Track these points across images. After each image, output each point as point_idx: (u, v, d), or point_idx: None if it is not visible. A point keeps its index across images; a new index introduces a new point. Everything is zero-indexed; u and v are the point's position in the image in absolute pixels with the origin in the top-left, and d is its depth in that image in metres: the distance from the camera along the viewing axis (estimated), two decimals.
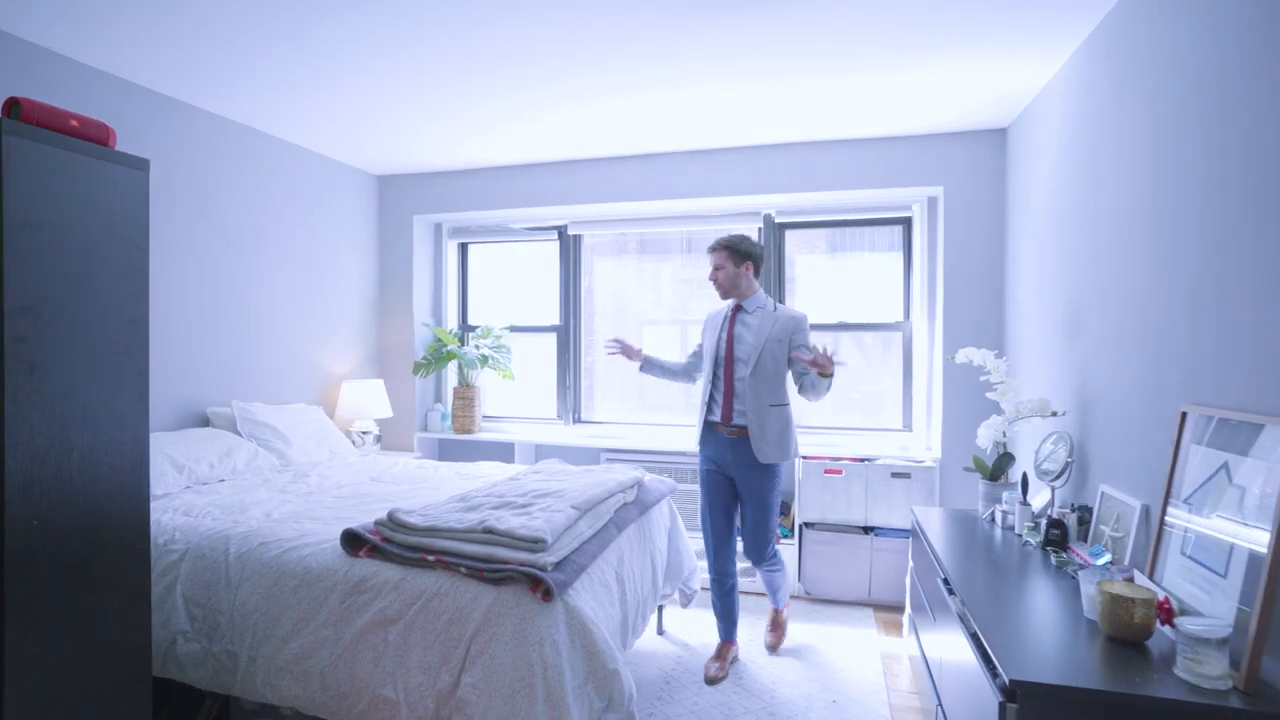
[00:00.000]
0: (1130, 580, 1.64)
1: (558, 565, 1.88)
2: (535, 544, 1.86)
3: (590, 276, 4.43)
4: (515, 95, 3.02)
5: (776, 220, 3.98)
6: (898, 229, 3.90)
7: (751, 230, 4.08)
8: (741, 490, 2.69)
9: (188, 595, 2.09)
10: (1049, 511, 2.34)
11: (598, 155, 3.95)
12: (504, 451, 4.30)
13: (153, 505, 2.40)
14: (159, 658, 2.08)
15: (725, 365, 2.67)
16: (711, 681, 2.61)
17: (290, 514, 2.38)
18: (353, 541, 2.00)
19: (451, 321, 4.63)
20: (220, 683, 2.03)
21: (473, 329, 4.57)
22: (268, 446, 3.14)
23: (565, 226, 4.34)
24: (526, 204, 4.15)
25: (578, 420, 4.41)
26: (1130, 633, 1.47)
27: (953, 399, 3.47)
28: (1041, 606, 1.72)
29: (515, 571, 1.79)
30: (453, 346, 4.28)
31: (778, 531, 2.77)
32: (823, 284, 4.04)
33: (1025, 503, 2.36)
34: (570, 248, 4.37)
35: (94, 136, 1.56)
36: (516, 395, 4.54)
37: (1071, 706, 1.29)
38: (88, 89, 2.72)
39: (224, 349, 3.37)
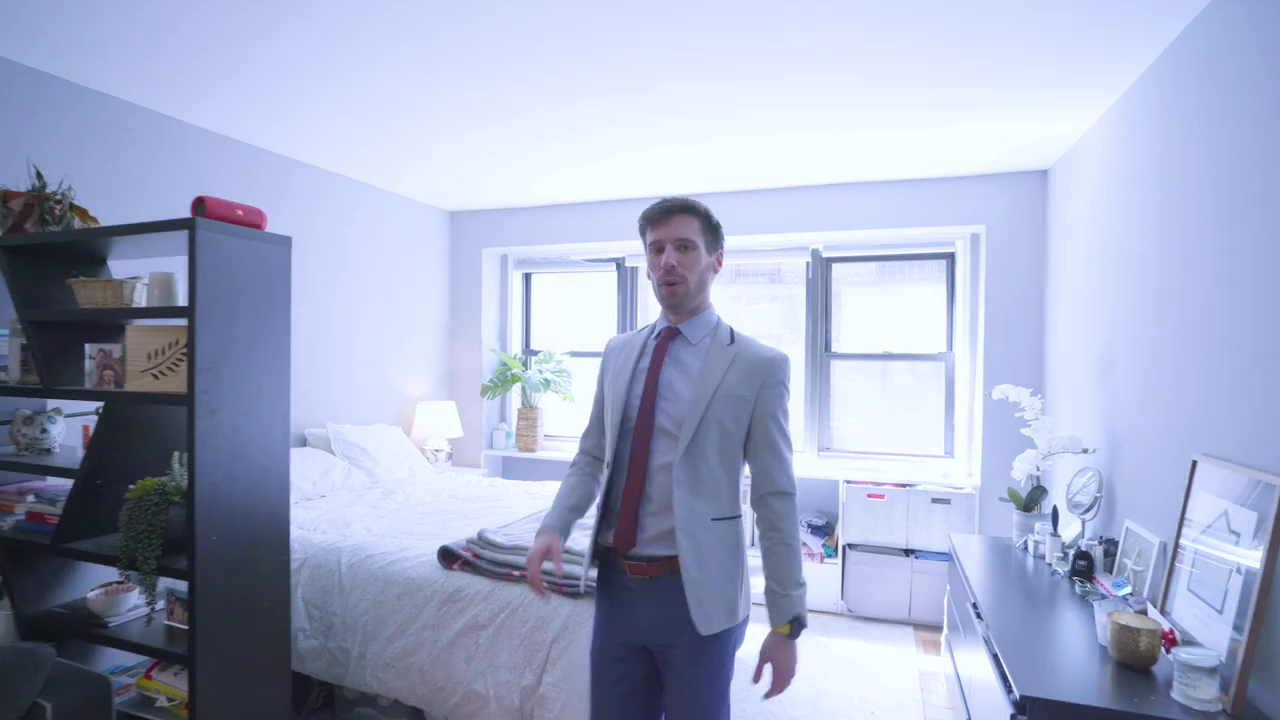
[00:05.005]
0: (1143, 612, 1.82)
1: None
2: None
3: (646, 305, 4.71)
4: (579, 143, 3.32)
5: (825, 255, 4.19)
6: (941, 263, 4.07)
7: (800, 264, 4.30)
8: (667, 678, 1.49)
9: (307, 599, 2.42)
10: (1078, 543, 2.50)
11: (655, 194, 4.23)
12: (562, 469, 4.60)
13: None
14: None
15: (636, 436, 1.48)
16: None
17: (388, 529, 2.72)
18: (447, 556, 2.31)
19: (515, 346, 4.97)
20: (333, 674, 2.36)
21: (535, 353, 4.90)
22: (358, 465, 3.51)
23: (623, 259, 4.63)
24: (587, 239, 4.46)
25: None
26: (1136, 659, 1.66)
27: (993, 429, 3.62)
28: (1060, 632, 1.91)
29: (589, 587, 2.06)
30: (517, 370, 4.61)
31: None
32: (868, 315, 4.23)
33: (1055, 534, 2.53)
34: (628, 278, 4.66)
35: (252, 221, 1.90)
36: (576, 416, 4.85)
37: (1073, 718, 1.50)
38: (199, 145, 3.13)
39: (317, 374, 3.76)
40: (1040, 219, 3.58)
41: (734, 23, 2.10)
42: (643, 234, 1.57)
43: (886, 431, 4.17)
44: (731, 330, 1.58)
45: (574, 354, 4.79)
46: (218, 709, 1.78)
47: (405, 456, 3.85)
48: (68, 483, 2.18)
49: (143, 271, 2.28)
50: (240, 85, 2.63)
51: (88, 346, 1.97)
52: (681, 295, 1.51)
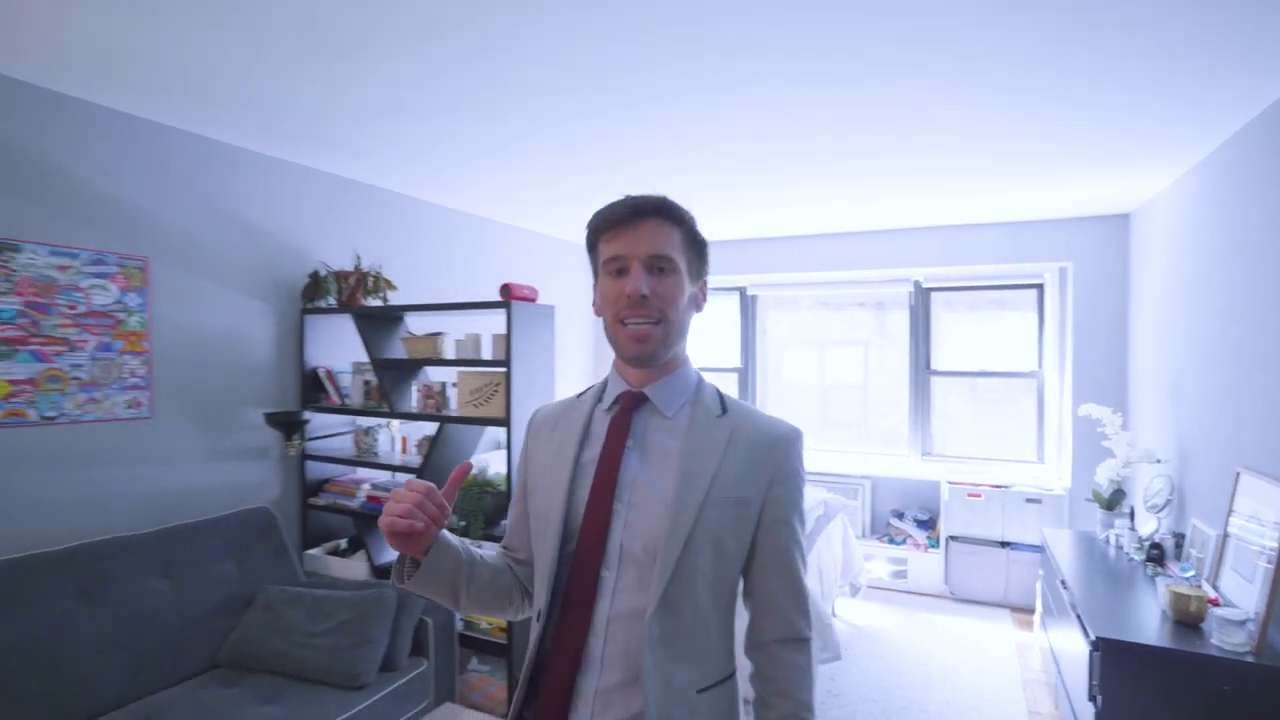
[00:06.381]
0: (1199, 586, 2.42)
1: None
2: None
3: (764, 326, 5.42)
4: (707, 200, 4.06)
5: (925, 286, 4.79)
6: (1032, 292, 4.60)
7: (902, 294, 4.90)
8: None
9: None
10: (1155, 536, 3.06)
11: (777, 235, 4.92)
12: None
13: None
14: None
15: (578, 566, 1.01)
16: None
17: None
18: None
19: None
20: None
21: None
22: None
23: (745, 288, 5.35)
24: (715, 273, 5.16)
25: None
26: (1187, 618, 2.27)
27: (1081, 439, 4.15)
28: (1132, 602, 2.52)
29: None
30: None
31: None
32: (963, 336, 4.81)
33: (1133, 529, 3.10)
34: (749, 304, 5.38)
35: (530, 296, 2.73)
36: None
37: (1135, 654, 2.13)
38: (416, 211, 4.04)
39: None
40: (1123, 257, 4.08)
41: (873, 120, 2.78)
42: (591, 249, 1.08)
43: (980, 439, 4.73)
44: (720, 393, 1.09)
45: (704, 369, 5.50)
46: (521, 629, 2.61)
47: None
48: (384, 474, 3.09)
49: (429, 325, 3.15)
50: (434, 162, 3.48)
51: (415, 383, 2.86)
52: (657, 342, 1.01)
